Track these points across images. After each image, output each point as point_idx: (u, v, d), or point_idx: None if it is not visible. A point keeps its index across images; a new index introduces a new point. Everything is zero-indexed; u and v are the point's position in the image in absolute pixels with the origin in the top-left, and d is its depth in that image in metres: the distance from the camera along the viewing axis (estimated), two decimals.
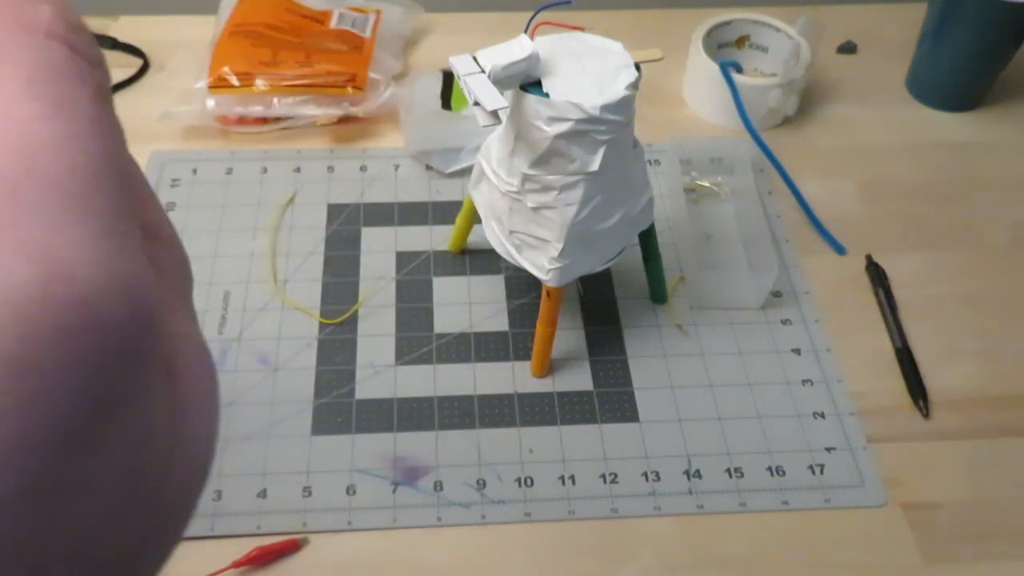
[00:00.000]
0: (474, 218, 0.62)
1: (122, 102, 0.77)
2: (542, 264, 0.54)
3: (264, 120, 0.74)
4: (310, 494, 0.54)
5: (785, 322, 0.64)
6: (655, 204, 0.58)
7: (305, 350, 0.61)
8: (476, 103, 0.47)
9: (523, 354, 0.61)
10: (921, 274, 0.67)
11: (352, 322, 0.62)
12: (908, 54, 0.81)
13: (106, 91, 0.17)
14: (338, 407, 0.58)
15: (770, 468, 0.56)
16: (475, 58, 0.48)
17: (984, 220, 0.71)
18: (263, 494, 0.54)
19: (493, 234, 0.57)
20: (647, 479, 0.55)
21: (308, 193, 0.70)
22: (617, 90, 0.49)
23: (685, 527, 0.54)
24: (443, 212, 0.69)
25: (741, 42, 0.80)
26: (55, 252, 0.13)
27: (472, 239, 0.65)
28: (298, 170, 0.72)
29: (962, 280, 0.67)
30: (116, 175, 0.16)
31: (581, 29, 0.53)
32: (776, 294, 0.65)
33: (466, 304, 0.64)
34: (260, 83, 0.72)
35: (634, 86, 0.49)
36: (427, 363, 0.60)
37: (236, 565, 0.51)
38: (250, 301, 0.63)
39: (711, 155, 0.72)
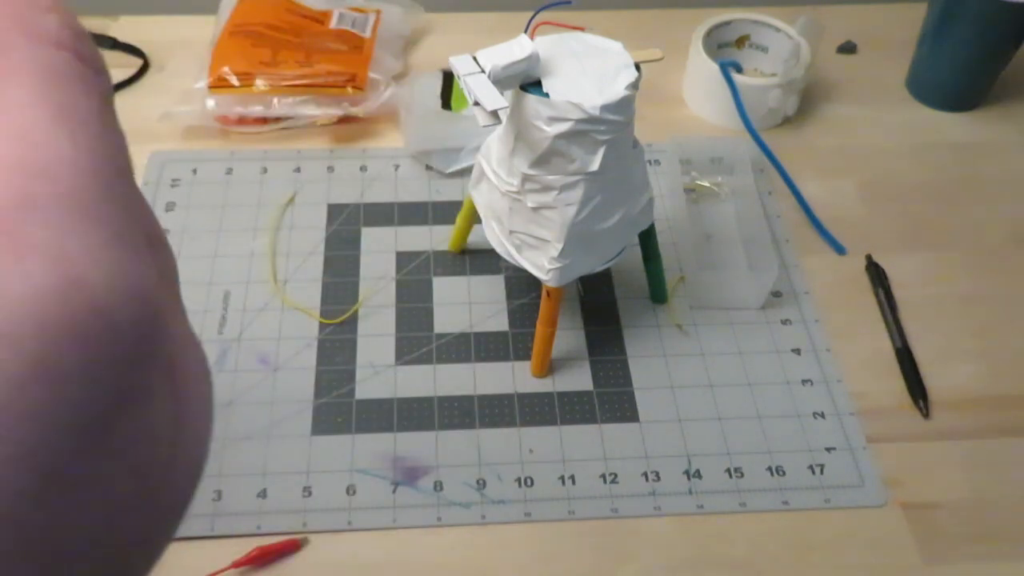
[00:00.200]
0: (474, 218, 0.62)
1: (122, 102, 0.76)
2: (542, 264, 0.54)
3: (264, 120, 0.74)
4: (310, 494, 0.54)
5: (785, 322, 0.64)
6: (655, 204, 0.58)
7: (305, 350, 0.61)
8: (476, 103, 0.47)
9: (523, 354, 0.61)
10: (921, 274, 0.67)
11: (352, 322, 0.62)
12: (908, 54, 0.81)
13: (110, 98, 0.17)
14: (338, 407, 0.58)
15: (770, 468, 0.56)
16: (475, 58, 0.48)
17: (984, 220, 0.71)
18: (263, 494, 0.54)
19: (493, 234, 0.57)
20: (647, 479, 0.55)
21: (308, 193, 0.70)
22: (617, 90, 0.49)
23: (685, 527, 0.54)
24: (443, 212, 0.69)
25: (741, 42, 0.80)
26: (71, 258, 0.14)
27: (472, 239, 0.65)
28: (298, 170, 0.72)
29: (962, 280, 0.67)
30: (123, 182, 0.16)
31: (581, 29, 0.53)
32: (776, 294, 0.65)
33: (466, 304, 0.64)
34: (260, 83, 0.72)
35: (634, 86, 0.49)
36: (427, 363, 0.60)
37: (236, 565, 0.51)
38: (250, 301, 0.63)
39: (711, 155, 0.72)
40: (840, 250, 0.68)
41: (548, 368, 0.60)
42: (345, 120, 0.74)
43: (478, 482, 0.55)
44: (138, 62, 0.79)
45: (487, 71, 0.47)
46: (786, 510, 0.54)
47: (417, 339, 0.61)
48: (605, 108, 0.48)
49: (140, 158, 0.71)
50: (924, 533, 0.54)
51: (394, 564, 0.52)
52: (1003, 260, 0.68)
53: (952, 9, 0.74)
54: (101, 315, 0.14)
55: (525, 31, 0.50)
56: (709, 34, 0.78)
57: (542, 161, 0.50)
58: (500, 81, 0.48)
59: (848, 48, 0.85)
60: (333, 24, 0.78)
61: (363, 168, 0.72)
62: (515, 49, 0.48)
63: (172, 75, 0.78)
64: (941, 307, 0.65)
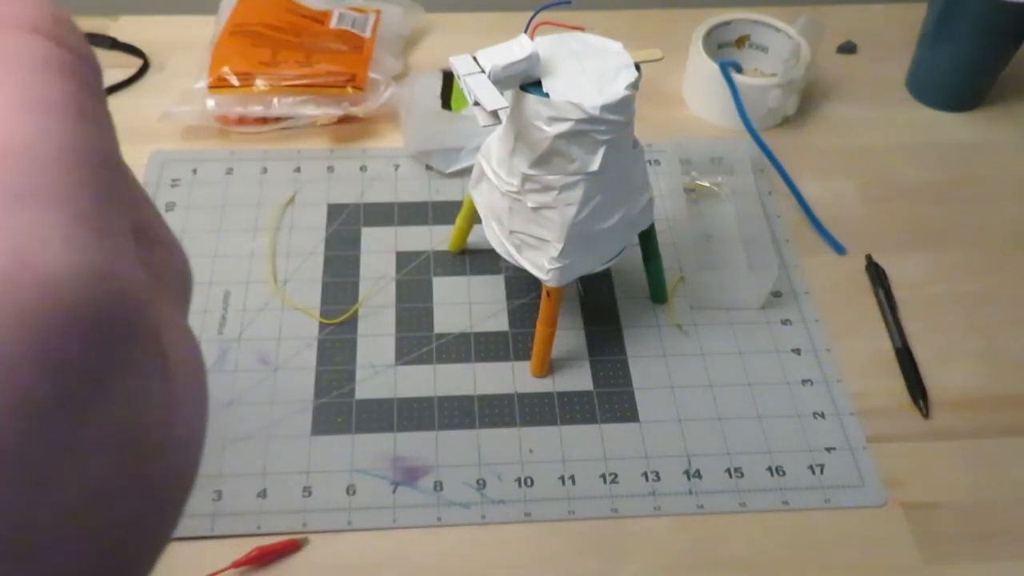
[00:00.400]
0: (474, 218, 0.62)
1: (122, 102, 0.77)
2: (542, 264, 0.54)
3: (264, 120, 0.74)
4: (310, 494, 0.54)
5: (785, 322, 0.64)
6: (655, 204, 0.58)
7: (305, 350, 0.61)
8: (476, 103, 0.47)
9: (523, 354, 0.61)
10: (921, 274, 0.67)
11: (352, 322, 0.62)
12: (908, 54, 0.81)
13: (96, 86, 0.17)
14: (338, 407, 0.58)
15: (770, 468, 0.56)
16: (475, 58, 0.48)
17: (984, 220, 0.71)
18: (263, 494, 0.54)
19: (493, 234, 0.57)
20: (647, 479, 0.55)
21: (308, 193, 0.70)
22: (617, 90, 0.49)
23: (685, 527, 0.54)
24: (443, 212, 0.69)
25: (741, 42, 0.80)
26: (17, 237, 0.14)
27: (472, 239, 0.65)
28: (298, 170, 0.72)
29: (962, 280, 0.67)
30: (100, 168, 0.16)
31: (581, 29, 0.53)
32: (776, 294, 0.65)
33: (466, 304, 0.64)
34: (260, 83, 0.72)
35: (634, 86, 0.49)
36: (427, 363, 0.60)
37: (236, 565, 0.51)
38: (250, 301, 0.63)
39: (711, 155, 0.72)
40: (840, 250, 0.68)
41: (548, 368, 0.60)
42: (345, 120, 0.74)
43: (478, 482, 0.55)
44: (138, 62, 0.79)
45: (487, 71, 0.47)
46: (786, 510, 0.54)
47: (417, 339, 0.61)
48: (605, 108, 0.48)
49: (140, 158, 0.71)
50: (924, 533, 0.54)
51: (394, 564, 0.52)
52: (1003, 260, 0.68)
53: (952, 9, 0.74)
54: (50, 294, 0.14)
55: (525, 31, 0.50)
56: (709, 34, 0.78)
57: (542, 161, 0.50)
58: (500, 81, 0.48)
59: (848, 48, 0.85)
60: (333, 24, 0.78)
61: (363, 168, 0.72)
62: (515, 49, 0.48)
63: (172, 75, 0.78)
64: (941, 307, 0.65)
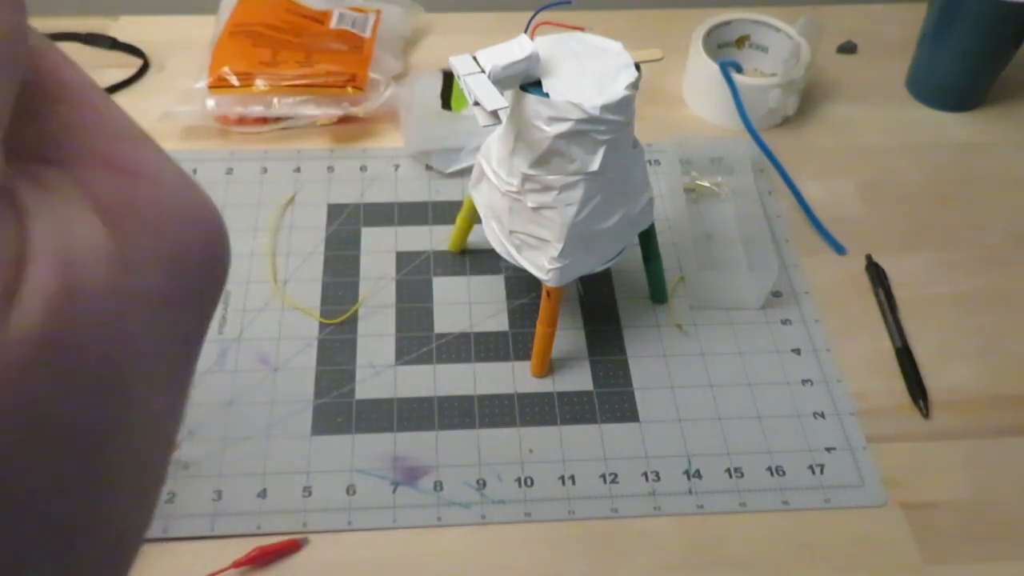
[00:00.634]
0: (474, 218, 0.62)
1: (122, 102, 0.76)
2: (542, 264, 0.54)
3: (264, 120, 0.74)
4: (310, 494, 0.54)
5: (785, 322, 0.64)
6: (655, 204, 0.58)
7: (305, 350, 0.61)
8: (476, 103, 0.47)
9: (523, 354, 0.61)
10: (921, 274, 0.67)
11: (352, 322, 0.62)
12: (908, 54, 0.81)
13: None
14: (338, 407, 0.58)
15: (770, 468, 0.56)
16: (475, 58, 0.48)
17: (984, 220, 0.71)
18: (263, 494, 0.54)
19: (493, 234, 0.57)
20: (647, 479, 0.55)
21: (308, 193, 0.70)
22: (617, 90, 0.49)
23: (685, 527, 0.54)
24: (443, 212, 0.69)
25: (741, 42, 0.80)
26: None
27: (472, 239, 0.65)
28: (298, 170, 0.72)
29: (962, 280, 0.67)
30: None
31: (581, 29, 0.53)
32: (776, 294, 0.65)
33: (466, 304, 0.64)
34: (260, 83, 0.72)
35: (634, 86, 0.49)
36: (427, 363, 0.60)
37: (236, 565, 0.51)
38: (250, 301, 0.63)
39: (711, 155, 0.72)
40: (840, 250, 0.68)
41: (548, 368, 0.60)
42: (345, 120, 0.74)
43: (478, 482, 0.55)
44: (138, 62, 0.79)
45: (487, 71, 0.47)
46: (786, 510, 0.54)
47: (417, 339, 0.61)
48: (605, 108, 0.48)
49: None
50: (924, 533, 0.54)
51: (394, 564, 0.52)
52: (1003, 260, 0.68)
53: (952, 9, 0.74)
54: None
55: (525, 31, 0.50)
56: (709, 34, 0.78)
57: (542, 161, 0.50)
58: (500, 81, 0.48)
59: (848, 48, 0.85)
60: (333, 24, 0.78)
61: (363, 168, 0.72)
62: (515, 49, 0.48)
63: (172, 75, 0.78)
64: (941, 307, 0.65)
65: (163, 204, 0.17)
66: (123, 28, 0.82)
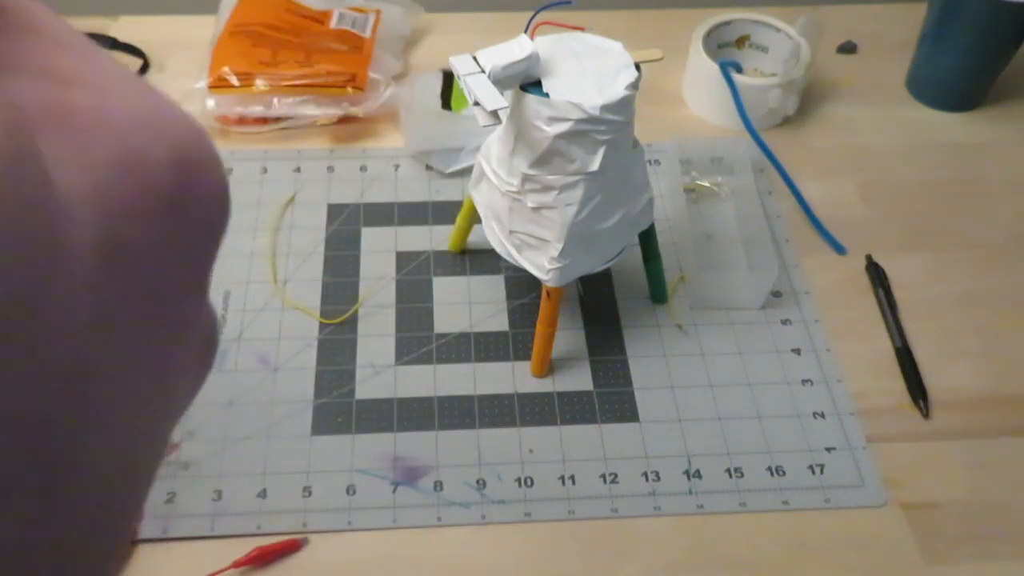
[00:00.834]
0: (474, 218, 0.62)
1: None
2: (542, 264, 0.54)
3: (264, 120, 0.74)
4: (310, 494, 0.54)
5: (785, 322, 0.64)
6: (655, 204, 0.58)
7: (305, 350, 0.61)
8: (476, 103, 0.47)
9: (523, 354, 0.61)
10: (921, 274, 0.67)
11: (352, 322, 0.62)
12: (908, 54, 0.81)
13: None
14: (338, 407, 0.58)
15: (770, 468, 0.56)
16: (475, 58, 0.48)
17: (984, 220, 0.71)
18: (263, 494, 0.54)
19: (493, 234, 0.57)
20: (647, 479, 0.55)
21: (308, 193, 0.70)
22: (617, 90, 0.49)
23: (685, 527, 0.54)
24: (443, 212, 0.69)
25: (741, 42, 0.80)
26: None
27: (472, 239, 0.65)
28: (298, 170, 0.72)
29: (962, 280, 0.67)
30: None
31: (581, 29, 0.53)
32: (776, 294, 0.65)
33: (466, 304, 0.64)
34: (260, 83, 0.72)
35: (634, 86, 0.49)
36: (427, 363, 0.60)
37: (236, 565, 0.51)
38: (250, 301, 0.63)
39: (711, 155, 0.72)
40: (840, 250, 0.68)
41: (548, 368, 0.60)
42: (345, 120, 0.74)
43: (478, 482, 0.55)
44: (138, 62, 0.79)
45: (487, 71, 0.47)
46: (786, 510, 0.54)
47: (417, 339, 0.61)
48: (605, 108, 0.48)
49: None
50: (924, 533, 0.54)
51: (394, 564, 0.52)
52: (1003, 260, 0.68)
53: (952, 9, 0.74)
54: None
55: (525, 31, 0.50)
56: (709, 34, 0.78)
57: (542, 161, 0.50)
58: (500, 81, 0.48)
59: (848, 48, 0.85)
60: (333, 24, 0.78)
61: (363, 168, 0.72)
62: (515, 49, 0.48)
63: (172, 75, 0.78)
64: (941, 307, 0.65)
65: (106, 111, 0.16)
66: (123, 28, 0.82)
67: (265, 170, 0.72)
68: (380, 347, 0.61)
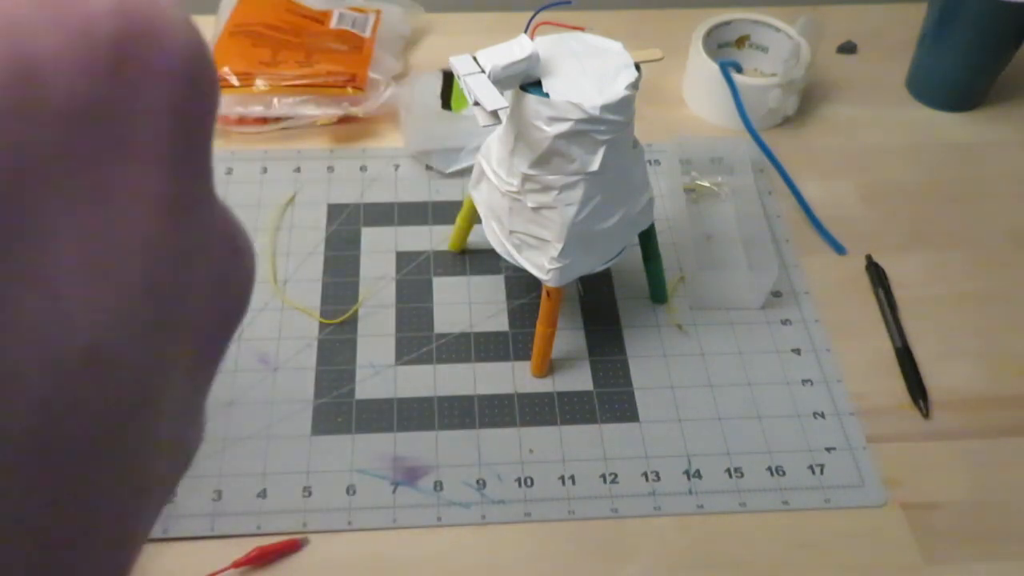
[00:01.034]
0: (474, 218, 0.62)
1: None
2: (542, 264, 0.54)
3: (264, 120, 0.74)
4: (310, 494, 0.54)
5: (785, 322, 0.64)
6: (655, 204, 0.58)
7: (305, 350, 0.61)
8: (476, 103, 0.47)
9: (523, 354, 0.61)
10: (921, 274, 0.67)
11: (352, 322, 0.62)
12: (908, 54, 0.81)
13: None
14: (338, 407, 0.58)
15: (770, 468, 0.56)
16: (475, 58, 0.48)
17: (984, 220, 0.71)
18: (263, 494, 0.54)
19: (493, 234, 0.57)
20: (647, 479, 0.55)
21: (308, 193, 0.70)
22: (617, 90, 0.49)
23: (685, 527, 0.54)
24: (443, 212, 0.69)
25: (741, 42, 0.80)
26: None
27: (472, 239, 0.65)
28: (298, 170, 0.72)
29: (962, 280, 0.67)
30: None
31: (581, 29, 0.53)
32: (776, 294, 0.65)
33: (466, 304, 0.64)
34: (260, 83, 0.72)
35: (634, 86, 0.49)
36: (427, 363, 0.60)
37: (236, 565, 0.51)
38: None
39: (711, 155, 0.72)
40: (840, 250, 0.68)
41: (548, 368, 0.60)
42: (345, 120, 0.74)
43: (478, 482, 0.55)
44: None
45: (487, 71, 0.47)
46: (786, 510, 0.54)
47: (417, 339, 0.61)
48: (605, 108, 0.48)
49: None
50: (924, 533, 0.54)
51: (394, 564, 0.52)
52: (1003, 260, 0.68)
53: (952, 9, 0.74)
54: None
55: (525, 31, 0.50)
56: (709, 34, 0.78)
57: (542, 161, 0.50)
58: (500, 81, 0.48)
59: (848, 48, 0.85)
60: (333, 24, 0.78)
61: (363, 168, 0.72)
62: (515, 49, 0.48)
63: None
64: (941, 307, 0.65)
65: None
66: None
67: (265, 170, 0.72)
68: (380, 347, 0.61)
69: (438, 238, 0.67)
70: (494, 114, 0.46)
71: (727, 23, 0.79)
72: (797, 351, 0.62)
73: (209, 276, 0.17)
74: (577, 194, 0.51)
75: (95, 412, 0.15)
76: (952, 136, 0.78)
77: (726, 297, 0.64)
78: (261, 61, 0.73)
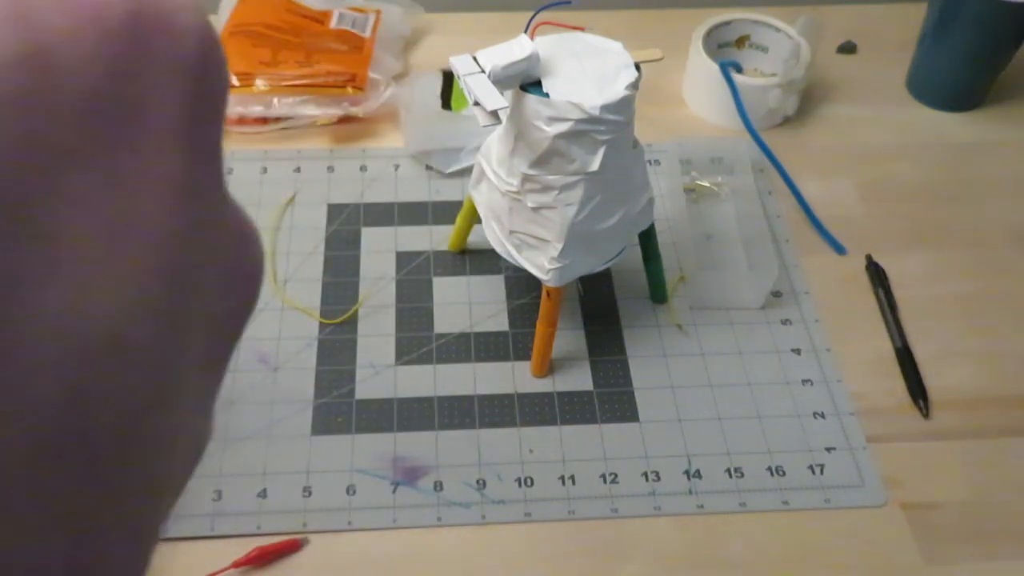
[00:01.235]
0: (474, 218, 0.62)
1: None
2: (542, 264, 0.54)
3: (264, 120, 0.74)
4: (310, 494, 0.54)
5: (785, 322, 0.64)
6: (655, 204, 0.58)
7: (305, 350, 0.61)
8: (476, 103, 0.47)
9: (523, 354, 0.61)
10: (921, 274, 0.67)
11: (352, 322, 0.62)
12: (908, 54, 0.81)
13: None
14: (338, 407, 0.58)
15: (770, 468, 0.56)
16: (475, 58, 0.48)
17: (984, 220, 0.71)
18: (263, 494, 0.54)
19: (493, 234, 0.57)
20: (647, 479, 0.55)
21: (308, 193, 0.70)
22: (617, 90, 0.49)
23: (685, 527, 0.54)
24: (443, 212, 0.69)
25: (741, 42, 0.80)
26: None
27: (472, 239, 0.65)
28: (298, 170, 0.72)
29: (962, 280, 0.67)
30: None
31: (581, 29, 0.53)
32: (776, 294, 0.65)
33: (466, 304, 0.64)
34: (260, 83, 0.72)
35: (634, 86, 0.49)
36: (427, 363, 0.60)
37: (236, 565, 0.51)
38: None
39: (711, 155, 0.72)
40: (840, 250, 0.68)
41: (548, 368, 0.60)
42: (345, 120, 0.74)
43: (478, 482, 0.55)
44: None
45: (487, 71, 0.47)
46: (786, 510, 0.54)
47: (417, 339, 0.61)
48: (605, 108, 0.48)
49: None
50: (924, 533, 0.54)
51: (394, 564, 0.52)
52: (1003, 260, 0.68)
53: (952, 9, 0.74)
54: None
55: (525, 31, 0.50)
56: (709, 34, 0.78)
57: (542, 161, 0.50)
58: (500, 81, 0.48)
59: (848, 48, 0.85)
60: (333, 24, 0.78)
61: (363, 168, 0.72)
62: (515, 49, 0.48)
63: None
64: (941, 307, 0.65)
65: None
66: None
67: (265, 170, 0.72)
68: (380, 347, 0.61)
69: (438, 238, 0.67)
70: (494, 114, 0.46)
71: (727, 23, 0.79)
72: (797, 351, 0.62)
73: (221, 266, 0.17)
74: (577, 194, 0.51)
75: (120, 401, 0.14)
76: (952, 136, 0.78)
77: (726, 297, 0.64)
78: (261, 61, 0.73)
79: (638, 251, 0.61)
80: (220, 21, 0.77)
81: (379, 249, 0.67)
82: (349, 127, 0.75)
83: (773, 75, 0.77)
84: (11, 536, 0.13)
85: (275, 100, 0.72)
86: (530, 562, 0.52)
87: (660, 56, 0.52)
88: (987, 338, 0.64)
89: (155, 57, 0.14)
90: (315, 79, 0.72)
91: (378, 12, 0.80)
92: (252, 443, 0.56)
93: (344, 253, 0.66)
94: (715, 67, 0.74)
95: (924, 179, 0.74)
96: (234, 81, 0.72)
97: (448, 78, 0.75)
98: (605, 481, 0.55)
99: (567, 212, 0.51)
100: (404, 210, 0.69)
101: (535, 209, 0.52)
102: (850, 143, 0.77)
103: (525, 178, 0.52)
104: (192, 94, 0.15)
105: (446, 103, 0.73)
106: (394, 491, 0.54)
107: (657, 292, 0.64)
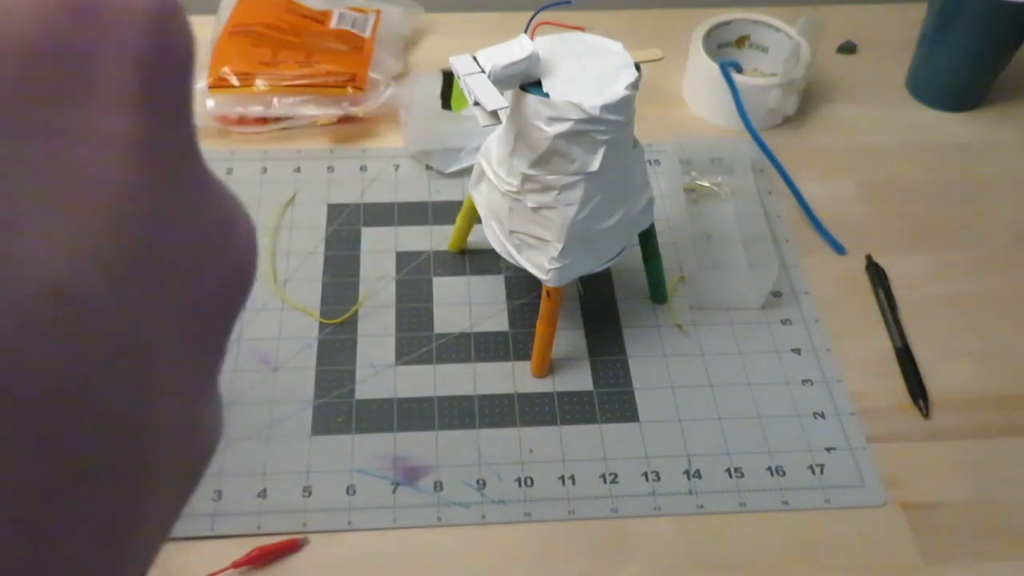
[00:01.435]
0: (474, 218, 0.62)
1: None
2: (542, 264, 0.54)
3: (264, 120, 0.74)
4: (310, 494, 0.54)
5: (785, 322, 0.64)
6: (655, 204, 0.58)
7: (305, 350, 0.61)
8: (476, 103, 0.47)
9: (523, 354, 0.61)
10: (921, 274, 0.67)
11: (352, 322, 0.62)
12: (908, 54, 0.81)
13: None
14: (338, 407, 0.58)
15: (770, 468, 0.56)
16: (475, 58, 0.48)
17: (984, 220, 0.71)
18: (263, 494, 0.54)
19: (493, 234, 0.57)
20: (647, 479, 0.55)
21: (308, 193, 0.70)
22: (617, 90, 0.49)
23: (685, 527, 0.54)
24: (443, 212, 0.69)
25: (741, 42, 0.80)
26: None
27: (472, 239, 0.65)
28: (298, 170, 0.72)
29: (962, 280, 0.67)
30: None
31: (581, 29, 0.53)
32: (776, 294, 0.65)
33: (466, 304, 0.64)
34: (260, 83, 0.72)
35: (634, 86, 0.49)
36: (427, 363, 0.60)
37: (236, 565, 0.51)
38: (250, 301, 0.63)
39: (711, 155, 0.72)
40: (840, 250, 0.68)
41: (548, 368, 0.60)
42: (345, 120, 0.74)
43: (478, 482, 0.55)
44: None
45: (487, 71, 0.47)
46: (786, 510, 0.54)
47: (417, 339, 0.61)
48: (605, 108, 0.48)
49: None
50: (924, 533, 0.54)
51: (394, 564, 0.52)
52: (1003, 260, 0.68)
53: (952, 9, 0.74)
54: None
55: (525, 31, 0.50)
56: (709, 34, 0.78)
57: (542, 161, 0.50)
58: (500, 81, 0.48)
59: (848, 48, 0.85)
60: (333, 24, 0.78)
61: (363, 168, 0.72)
62: (515, 49, 0.48)
63: None
64: (941, 307, 0.65)
65: None
66: None
67: (265, 170, 0.72)
68: (380, 347, 0.61)
69: (438, 238, 0.67)
70: (494, 114, 0.46)
71: (727, 23, 0.79)
72: (797, 351, 0.62)
73: (200, 246, 0.17)
74: (577, 194, 0.51)
75: (67, 364, 0.14)
76: (952, 136, 0.78)
77: (726, 297, 0.64)
78: (261, 61, 0.73)
79: (638, 251, 0.61)
80: (220, 21, 0.77)
81: (379, 249, 0.67)
82: (349, 127, 0.75)
83: (773, 75, 0.77)
84: None
85: (275, 100, 0.72)
86: (530, 562, 0.52)
87: (660, 56, 0.52)
88: (987, 338, 0.64)
89: (103, 17, 0.14)
90: (315, 79, 0.72)
91: (378, 12, 0.80)
92: (252, 443, 0.56)
93: (344, 253, 0.66)
94: (715, 67, 0.74)
95: (924, 179, 0.74)
96: (234, 81, 0.72)
97: (448, 78, 0.75)
98: (605, 481, 0.55)
99: (567, 212, 0.51)
100: (404, 210, 0.69)
101: (535, 209, 0.52)
102: (850, 143, 0.77)
103: (525, 178, 0.52)
104: (146, 55, 0.15)
105: (446, 103, 0.73)
106: (394, 491, 0.54)
107: (657, 292, 0.64)
